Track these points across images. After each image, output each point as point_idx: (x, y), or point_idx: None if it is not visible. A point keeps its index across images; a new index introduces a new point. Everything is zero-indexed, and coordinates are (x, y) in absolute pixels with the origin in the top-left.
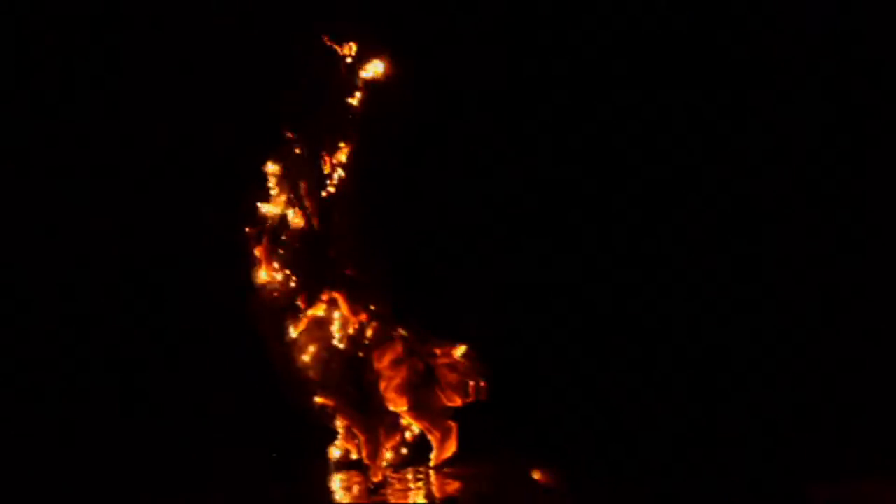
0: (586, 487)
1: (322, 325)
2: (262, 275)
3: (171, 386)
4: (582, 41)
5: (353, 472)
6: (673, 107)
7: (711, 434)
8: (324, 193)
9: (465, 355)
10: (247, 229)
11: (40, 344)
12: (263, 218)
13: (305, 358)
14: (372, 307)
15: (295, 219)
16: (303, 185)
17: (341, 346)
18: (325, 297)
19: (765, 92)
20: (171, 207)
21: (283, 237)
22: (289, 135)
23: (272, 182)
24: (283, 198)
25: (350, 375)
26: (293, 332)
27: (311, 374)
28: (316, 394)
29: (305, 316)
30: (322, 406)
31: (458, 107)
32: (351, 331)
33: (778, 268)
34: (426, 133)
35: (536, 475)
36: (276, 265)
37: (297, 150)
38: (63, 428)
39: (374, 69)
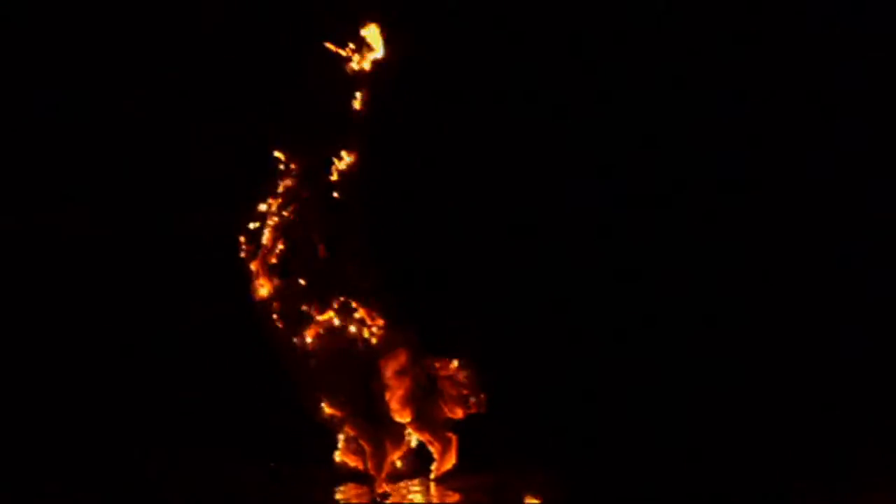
0: (585, 497)
1: (333, 332)
2: (261, 289)
3: (172, 392)
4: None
5: (352, 484)
6: (674, 107)
7: (710, 437)
8: (328, 202)
9: (461, 368)
10: (242, 247)
11: (40, 347)
12: (258, 234)
13: (316, 367)
14: (385, 312)
15: (293, 231)
16: (304, 197)
17: (358, 352)
18: (336, 303)
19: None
20: (171, 213)
21: (282, 248)
22: (282, 156)
23: (268, 199)
24: (280, 210)
25: (359, 385)
26: (303, 341)
27: (322, 383)
28: (326, 403)
29: (316, 323)
30: (331, 416)
31: (460, 108)
32: (367, 335)
33: (776, 268)
34: (428, 135)
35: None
36: (274, 278)
37: (293, 166)
38: (62, 429)
39: (372, 57)
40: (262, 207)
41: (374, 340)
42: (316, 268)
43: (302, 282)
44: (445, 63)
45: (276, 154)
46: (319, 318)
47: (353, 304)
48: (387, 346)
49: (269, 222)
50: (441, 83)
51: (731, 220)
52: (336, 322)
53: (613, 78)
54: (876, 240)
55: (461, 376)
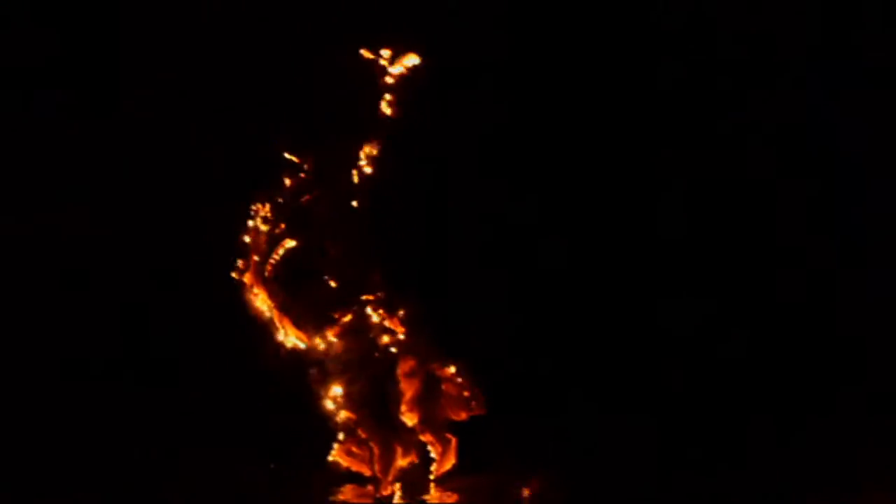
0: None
1: (353, 335)
2: (257, 299)
3: (171, 393)
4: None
5: (351, 486)
6: (678, 109)
7: (710, 443)
8: (345, 203)
9: (456, 374)
10: (238, 265)
11: (42, 348)
12: (252, 247)
13: (335, 370)
14: (402, 312)
15: (291, 239)
16: (316, 195)
17: (376, 357)
18: (355, 304)
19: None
20: (171, 213)
21: (276, 258)
22: (295, 159)
23: (265, 210)
24: (274, 222)
25: (376, 389)
26: (320, 343)
27: (341, 387)
28: (343, 406)
29: (339, 325)
30: (346, 419)
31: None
32: (386, 339)
33: (778, 271)
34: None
35: (526, 492)
36: (273, 286)
37: (307, 166)
38: (64, 428)
39: (406, 63)
40: (251, 223)
41: (392, 345)
42: (336, 270)
43: (321, 284)
44: (469, 68)
45: (288, 155)
46: (342, 319)
47: (371, 309)
48: (405, 351)
49: (261, 236)
50: (462, 90)
51: (731, 220)
52: (355, 325)
53: (635, 84)
54: (875, 240)
55: (459, 380)
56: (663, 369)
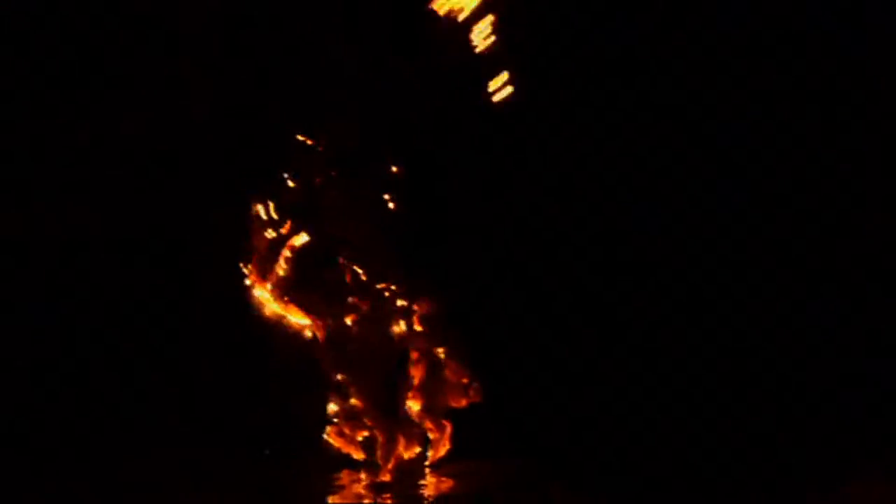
0: (582, 488)
1: (368, 324)
2: (262, 295)
3: (165, 386)
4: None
5: (347, 471)
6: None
7: (709, 437)
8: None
9: (448, 357)
10: (246, 269)
11: (40, 347)
12: (256, 247)
13: (350, 356)
14: (421, 303)
15: (299, 235)
16: (329, 182)
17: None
18: (374, 293)
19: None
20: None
21: (287, 254)
22: (308, 141)
23: (268, 209)
24: (283, 219)
25: (385, 379)
26: (339, 329)
27: (350, 374)
28: (353, 392)
29: (357, 313)
30: (352, 406)
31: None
32: (400, 329)
33: (774, 266)
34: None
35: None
36: (277, 279)
37: (320, 149)
38: (57, 427)
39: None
40: (261, 212)
41: (406, 336)
42: (356, 257)
43: (338, 272)
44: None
45: (300, 137)
46: (361, 307)
47: (390, 298)
48: (417, 342)
49: (265, 235)
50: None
51: (730, 220)
52: (372, 314)
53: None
54: (874, 240)
55: (451, 363)
56: (663, 363)
